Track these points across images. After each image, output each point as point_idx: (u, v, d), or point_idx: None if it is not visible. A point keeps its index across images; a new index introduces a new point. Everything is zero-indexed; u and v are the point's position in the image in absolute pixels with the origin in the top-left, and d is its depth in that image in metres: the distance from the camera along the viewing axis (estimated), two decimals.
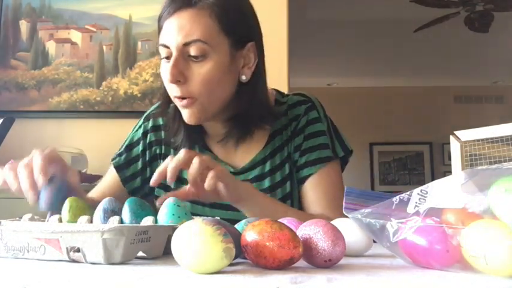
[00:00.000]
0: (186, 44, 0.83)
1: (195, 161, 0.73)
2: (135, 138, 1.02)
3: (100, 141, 2.07)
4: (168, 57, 0.86)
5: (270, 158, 0.97)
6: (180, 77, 0.84)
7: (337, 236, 0.48)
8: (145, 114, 1.05)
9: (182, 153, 0.75)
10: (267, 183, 0.95)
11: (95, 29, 2.25)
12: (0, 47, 2.26)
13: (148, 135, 1.01)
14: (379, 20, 3.99)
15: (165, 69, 0.86)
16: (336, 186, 0.96)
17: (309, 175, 0.95)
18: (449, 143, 0.65)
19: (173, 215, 0.59)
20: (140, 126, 1.03)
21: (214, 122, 0.95)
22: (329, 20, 3.99)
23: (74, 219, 0.60)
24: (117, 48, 2.23)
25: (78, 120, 2.22)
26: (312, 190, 0.95)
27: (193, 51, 0.83)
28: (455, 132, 0.66)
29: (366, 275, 0.43)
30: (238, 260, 0.51)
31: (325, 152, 0.96)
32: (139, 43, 2.22)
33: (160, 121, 1.02)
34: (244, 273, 0.43)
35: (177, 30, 0.84)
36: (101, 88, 2.21)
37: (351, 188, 0.59)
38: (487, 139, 0.61)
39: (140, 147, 1.01)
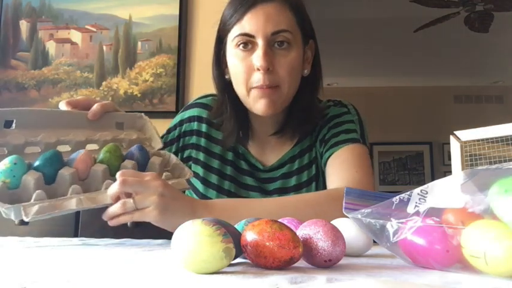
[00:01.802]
0: (275, 33, 0.86)
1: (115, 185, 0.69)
2: (173, 124, 1.07)
3: None
4: (245, 44, 0.87)
5: (299, 157, 0.98)
6: (270, 64, 0.86)
7: (337, 236, 0.48)
8: (189, 103, 1.08)
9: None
10: (293, 181, 0.97)
11: (95, 29, 2.25)
12: (0, 47, 2.26)
13: (184, 125, 1.05)
14: (379, 19, 3.99)
15: (243, 57, 0.88)
16: (362, 161, 0.90)
17: (332, 154, 0.92)
18: (449, 143, 0.65)
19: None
20: (180, 114, 1.08)
21: (271, 117, 0.95)
22: (329, 19, 3.99)
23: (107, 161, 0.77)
24: (117, 48, 2.22)
25: None
26: (332, 163, 0.90)
27: (280, 40, 0.87)
28: (455, 132, 0.66)
29: (366, 275, 0.43)
30: (238, 260, 0.51)
31: (350, 135, 0.94)
32: (139, 43, 2.22)
33: (196, 112, 1.04)
34: (244, 273, 0.43)
35: (265, 20, 0.86)
36: (101, 88, 2.21)
37: (351, 188, 0.59)
38: (487, 139, 0.61)
39: (176, 132, 1.05)
